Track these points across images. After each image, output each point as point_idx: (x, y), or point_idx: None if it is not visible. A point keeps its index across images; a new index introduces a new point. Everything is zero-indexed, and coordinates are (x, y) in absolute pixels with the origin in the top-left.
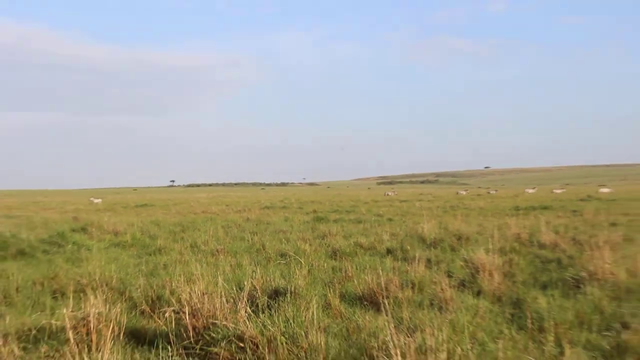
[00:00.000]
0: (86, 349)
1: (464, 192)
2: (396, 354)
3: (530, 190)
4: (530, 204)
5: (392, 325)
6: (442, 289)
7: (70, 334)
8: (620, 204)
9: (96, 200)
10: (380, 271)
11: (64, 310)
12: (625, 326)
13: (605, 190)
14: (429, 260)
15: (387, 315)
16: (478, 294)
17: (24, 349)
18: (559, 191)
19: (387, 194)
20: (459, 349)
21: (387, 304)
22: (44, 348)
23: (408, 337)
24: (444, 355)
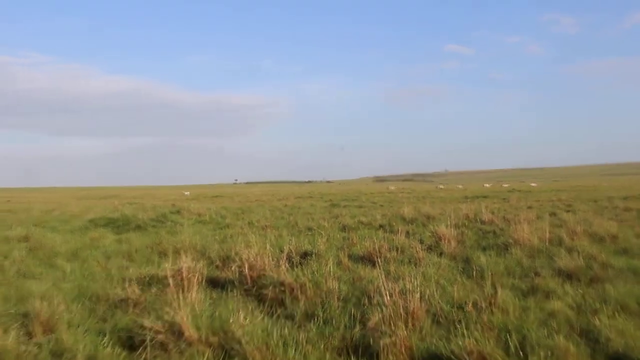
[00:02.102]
0: (181, 290)
1: (442, 187)
2: (386, 295)
3: (487, 185)
4: (475, 194)
5: (383, 275)
6: (416, 251)
7: (170, 280)
8: (535, 194)
9: (186, 193)
10: (375, 239)
11: (166, 265)
12: (537, 274)
13: (533, 184)
14: (407, 232)
15: (379, 269)
16: (440, 254)
17: (142, 289)
18: (488, 185)
19: (389, 188)
20: (428, 290)
21: (379, 261)
22: (154, 289)
23: (394, 283)
24: (418, 295)
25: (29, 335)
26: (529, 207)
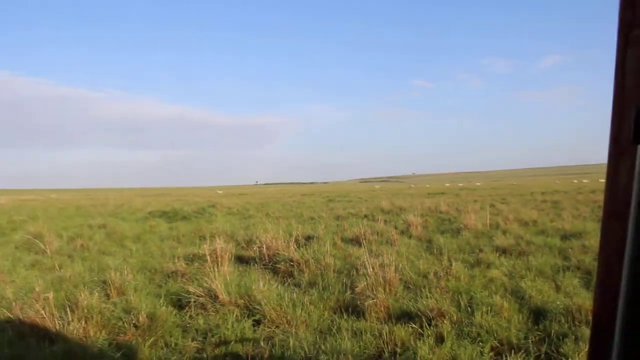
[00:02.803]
0: (216, 265)
1: (413, 186)
2: (369, 267)
3: (448, 184)
4: (436, 191)
5: (367, 253)
6: (392, 235)
7: (208, 257)
8: (479, 191)
9: (219, 192)
10: (361, 226)
11: (205, 246)
12: (481, 250)
13: (478, 183)
14: (385, 220)
15: (364, 248)
16: (410, 237)
17: (187, 264)
18: (448, 184)
19: (375, 187)
20: (401, 264)
21: (364, 242)
22: (196, 264)
23: (375, 259)
24: (393, 268)
25: (107, 296)
26: (475, 201)
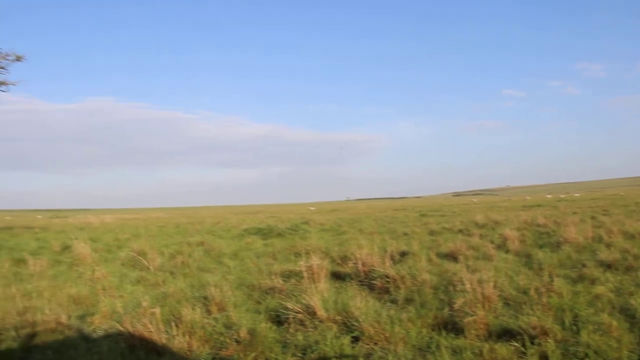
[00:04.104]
0: (312, 281)
1: (512, 199)
2: (467, 283)
3: (549, 196)
4: (532, 204)
5: (464, 269)
6: (488, 249)
7: (305, 274)
8: (578, 203)
9: (311, 208)
10: (456, 241)
11: (301, 262)
12: (584, 265)
13: (577, 194)
14: (480, 235)
15: (461, 264)
16: (507, 251)
17: (284, 280)
18: (549, 196)
19: (473, 200)
20: (499, 280)
21: (461, 258)
22: (292, 280)
23: (472, 274)
24: (491, 283)
25: (208, 312)
26: (574, 213)
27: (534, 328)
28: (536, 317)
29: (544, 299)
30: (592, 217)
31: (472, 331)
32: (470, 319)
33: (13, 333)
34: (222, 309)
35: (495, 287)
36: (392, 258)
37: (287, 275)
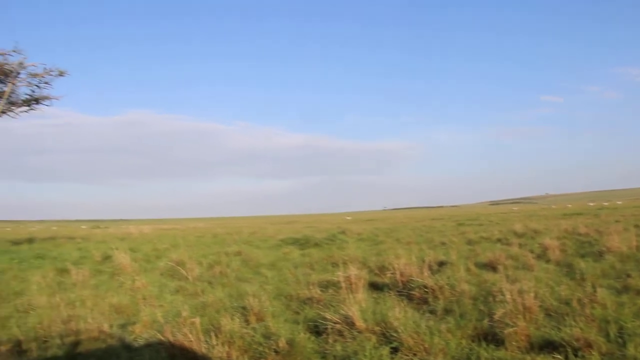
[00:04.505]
0: (350, 291)
1: (554, 207)
2: (507, 294)
3: (591, 204)
4: (571, 212)
5: (504, 279)
6: (528, 259)
7: (343, 284)
8: (620, 210)
9: (348, 218)
10: (494, 250)
11: (339, 272)
12: (628, 275)
13: (619, 202)
14: (519, 244)
15: (501, 274)
16: (547, 261)
17: (321, 290)
18: (592, 204)
19: (513, 209)
20: (540, 290)
21: (500, 268)
22: (330, 290)
23: (512, 285)
24: (532, 294)
25: (247, 322)
26: (617, 221)
27: (578, 340)
28: (579, 329)
29: (587, 310)
30: (636, 226)
31: (513, 343)
32: (511, 330)
33: (58, 341)
34: (260, 319)
35: (536, 297)
36: (430, 268)
37: (325, 286)
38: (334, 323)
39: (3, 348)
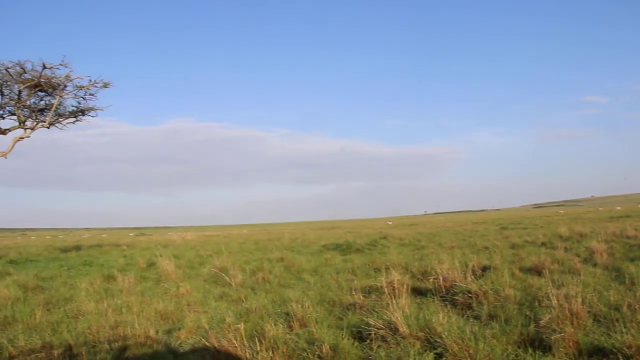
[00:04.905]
0: (393, 297)
1: (601, 209)
2: (553, 299)
3: None
4: (618, 214)
5: (549, 283)
6: (574, 263)
7: (385, 289)
8: None
9: (389, 223)
10: (539, 254)
11: (381, 278)
12: None
13: None
14: (565, 248)
15: (546, 278)
16: (594, 265)
17: (364, 296)
18: None
19: (559, 212)
20: (587, 296)
21: (545, 272)
22: (373, 296)
23: (558, 289)
24: (579, 299)
25: (290, 327)
26: None
27: (629, 347)
28: (631, 336)
29: (639, 316)
30: None
31: (561, 349)
32: (558, 336)
33: (107, 346)
34: (303, 324)
35: (583, 303)
36: (473, 273)
37: (368, 291)
38: (378, 329)
39: (56, 352)
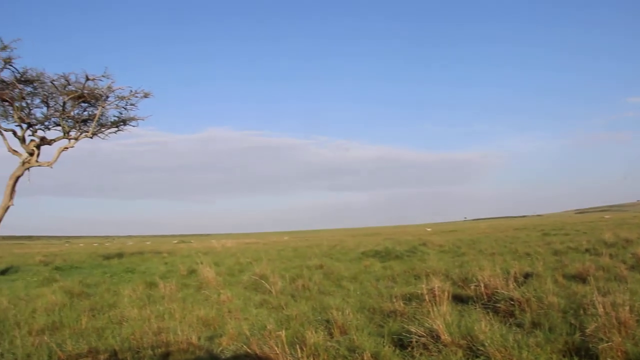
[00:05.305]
0: (433, 304)
1: None
2: (600, 307)
3: None
4: None
5: (595, 291)
6: (620, 270)
7: (426, 296)
8: None
9: (428, 229)
10: (583, 261)
11: (422, 285)
12: None
13: None
14: (610, 254)
15: (591, 286)
16: None
17: (404, 303)
18: None
19: (605, 217)
20: (636, 304)
21: (590, 279)
22: (413, 303)
23: (604, 297)
24: (627, 307)
25: (331, 335)
26: None
27: None
28: None
29: None
30: None
31: (609, 359)
32: (606, 345)
33: (150, 352)
34: (344, 332)
35: (631, 311)
36: (515, 280)
37: (408, 299)
38: (419, 336)
39: (102, 357)
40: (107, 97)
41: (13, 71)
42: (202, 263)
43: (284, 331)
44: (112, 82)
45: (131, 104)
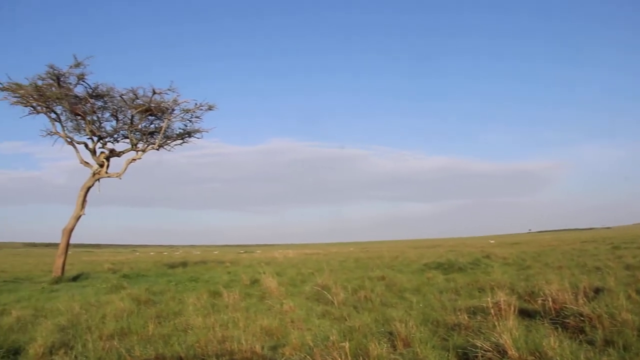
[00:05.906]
0: (499, 318)
1: None
2: None
3: None
4: None
5: None
6: None
7: (492, 310)
8: None
9: (491, 241)
10: None
11: (487, 298)
12: None
13: None
14: None
15: None
16: None
17: (469, 317)
18: None
19: None
20: None
21: None
22: (478, 317)
23: None
24: None
25: (394, 347)
26: None
27: None
28: None
29: None
30: None
31: None
32: None
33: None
34: (407, 344)
35: None
36: (585, 295)
37: (472, 312)
38: (485, 351)
39: None
40: (173, 110)
41: (85, 87)
42: (264, 273)
43: (347, 342)
44: (177, 96)
45: (196, 117)
